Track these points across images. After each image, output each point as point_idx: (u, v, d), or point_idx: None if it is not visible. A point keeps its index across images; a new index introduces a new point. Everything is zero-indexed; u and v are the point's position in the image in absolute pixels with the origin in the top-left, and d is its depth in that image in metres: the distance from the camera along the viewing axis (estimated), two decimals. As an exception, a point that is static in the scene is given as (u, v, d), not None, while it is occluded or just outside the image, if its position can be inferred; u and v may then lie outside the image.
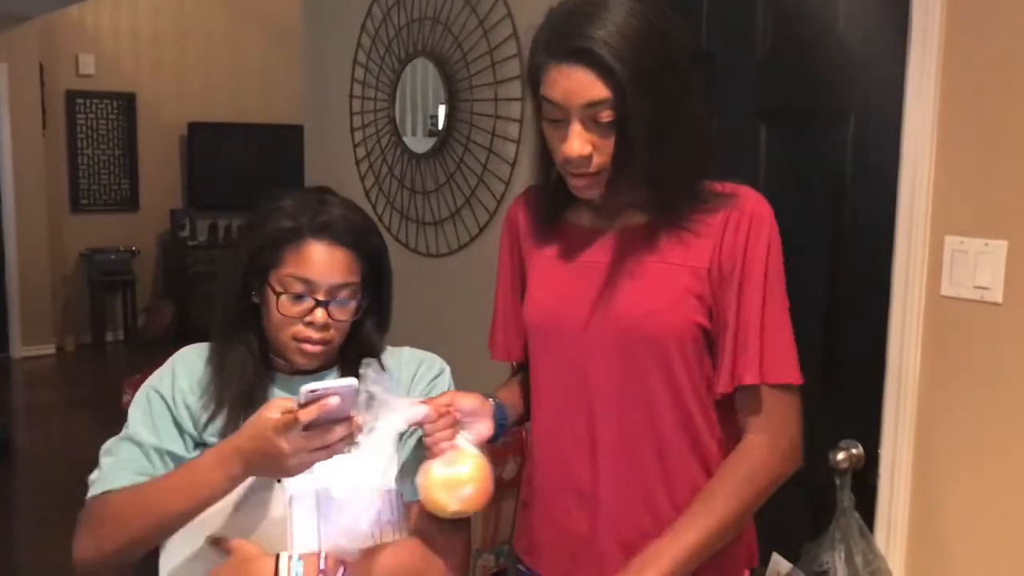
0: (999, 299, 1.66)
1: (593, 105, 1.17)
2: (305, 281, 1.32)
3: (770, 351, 1.26)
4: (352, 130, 3.46)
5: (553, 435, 1.37)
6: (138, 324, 7.69)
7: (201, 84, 7.98)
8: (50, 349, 7.36)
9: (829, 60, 1.93)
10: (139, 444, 1.34)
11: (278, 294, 1.32)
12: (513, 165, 2.75)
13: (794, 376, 1.29)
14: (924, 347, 1.77)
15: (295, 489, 1.30)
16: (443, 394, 1.36)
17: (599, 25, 1.16)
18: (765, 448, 1.27)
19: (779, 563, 1.97)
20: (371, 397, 1.24)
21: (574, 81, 1.17)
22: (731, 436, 1.32)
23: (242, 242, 1.40)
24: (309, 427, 1.14)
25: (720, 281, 1.26)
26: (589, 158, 1.21)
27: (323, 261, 1.32)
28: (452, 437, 1.30)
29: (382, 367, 1.31)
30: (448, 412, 1.30)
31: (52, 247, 7.32)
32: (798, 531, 1.94)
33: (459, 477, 1.27)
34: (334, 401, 1.13)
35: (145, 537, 1.30)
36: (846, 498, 1.83)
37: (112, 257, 7.53)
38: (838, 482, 1.84)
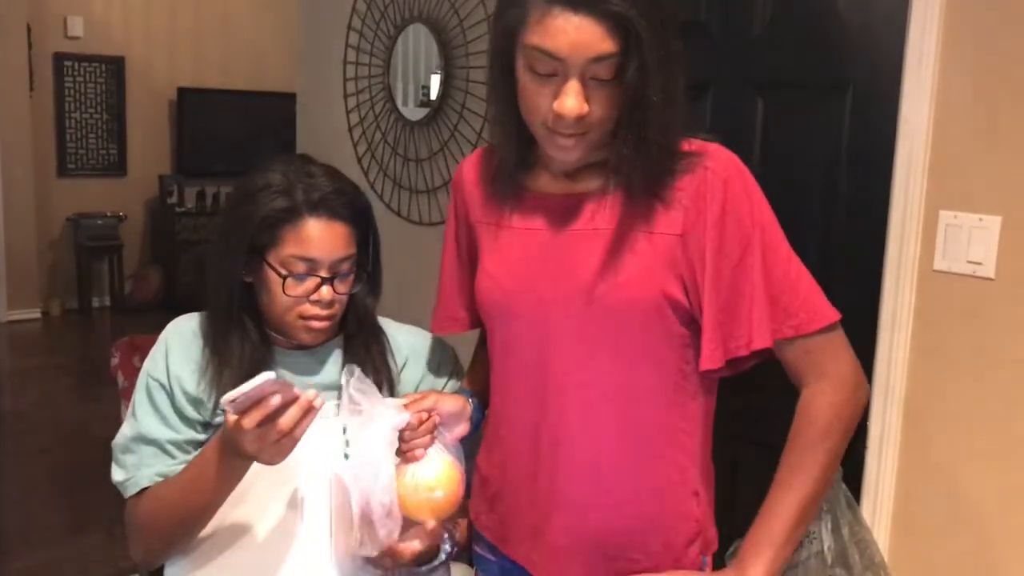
0: (991, 274, 1.67)
1: (599, 60, 1.06)
2: (308, 260, 1.31)
3: (793, 301, 1.17)
4: (346, 96, 3.43)
5: (510, 413, 1.29)
6: (125, 290, 7.64)
7: (192, 49, 7.88)
8: (36, 313, 7.30)
9: (828, 34, 1.93)
10: (154, 441, 1.34)
11: (283, 277, 1.31)
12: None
13: (830, 315, 1.19)
14: (915, 321, 1.78)
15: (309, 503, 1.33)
16: (427, 394, 1.32)
17: None
18: (829, 392, 1.18)
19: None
20: (355, 402, 1.24)
21: (585, 33, 1.04)
22: (708, 411, 1.27)
23: (233, 220, 1.35)
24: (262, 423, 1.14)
25: (702, 249, 1.15)
26: (583, 117, 1.09)
27: (324, 238, 1.31)
28: (429, 444, 1.29)
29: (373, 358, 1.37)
30: (429, 418, 1.28)
31: (39, 211, 7.24)
32: (785, 502, 1.95)
33: (429, 483, 1.27)
34: (275, 401, 1.12)
35: (184, 533, 1.32)
36: (833, 469, 1.84)
37: (99, 222, 7.46)
38: (826, 454, 1.85)
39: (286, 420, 1.13)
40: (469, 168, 1.36)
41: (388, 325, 1.50)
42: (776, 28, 2.03)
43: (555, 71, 1.08)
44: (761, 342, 1.15)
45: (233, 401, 1.11)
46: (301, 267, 1.30)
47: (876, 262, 1.82)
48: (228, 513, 1.32)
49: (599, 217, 1.19)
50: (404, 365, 1.48)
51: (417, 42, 3.07)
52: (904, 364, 1.80)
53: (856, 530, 1.85)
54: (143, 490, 1.33)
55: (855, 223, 1.91)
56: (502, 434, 1.32)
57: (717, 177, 1.14)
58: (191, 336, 1.39)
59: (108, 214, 7.53)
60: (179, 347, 1.38)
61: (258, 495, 1.33)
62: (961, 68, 1.69)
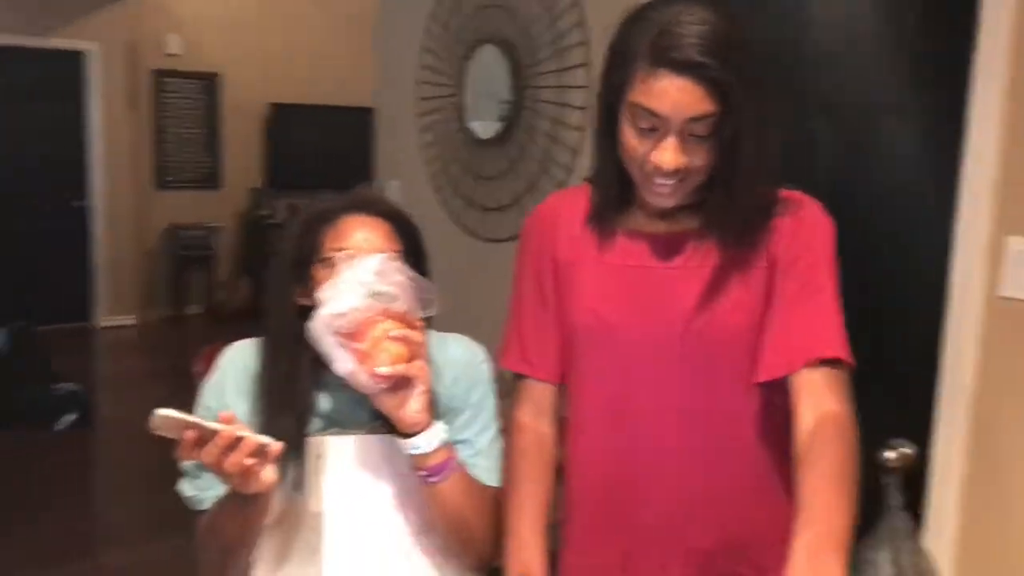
0: (1059, 302, 1.62)
1: (697, 119, 1.15)
2: (349, 251, 1.35)
3: (840, 330, 1.25)
4: (419, 115, 3.50)
5: (601, 443, 1.34)
6: (216, 299, 7.91)
7: (283, 66, 8.12)
8: (132, 320, 7.62)
9: (893, 54, 1.90)
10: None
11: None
12: (575, 153, 2.76)
13: (849, 356, 1.24)
14: (980, 348, 1.74)
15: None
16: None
17: (708, 36, 1.12)
18: (849, 418, 1.20)
19: (825, 560, 1.95)
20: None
21: (686, 95, 1.13)
22: (769, 429, 1.30)
23: (279, 248, 1.41)
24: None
25: (779, 273, 1.25)
26: (680, 169, 1.19)
27: (360, 231, 1.36)
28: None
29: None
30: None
31: (137, 222, 7.57)
32: (846, 529, 1.92)
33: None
34: (188, 435, 1.16)
35: (233, 557, 1.37)
36: (895, 498, 1.81)
37: (194, 233, 7.76)
38: (887, 481, 1.82)
39: (204, 454, 1.17)
40: (562, 208, 1.40)
41: (435, 339, 1.49)
42: (839, 48, 2.00)
43: (656, 127, 1.17)
44: (831, 351, 1.21)
45: (155, 431, 1.16)
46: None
47: (940, 288, 1.79)
48: (270, 540, 1.38)
49: (696, 255, 1.28)
50: (453, 381, 1.47)
51: (488, 62, 3.11)
52: (969, 391, 1.76)
53: (917, 560, 1.81)
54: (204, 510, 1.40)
55: (919, 247, 1.88)
56: (580, 467, 1.37)
57: (807, 220, 1.27)
58: (243, 365, 1.44)
59: (202, 225, 7.81)
60: (233, 376, 1.44)
61: (293, 522, 1.38)
62: (1030, 90, 1.65)
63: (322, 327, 1.27)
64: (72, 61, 7.10)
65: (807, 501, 1.12)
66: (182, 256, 7.71)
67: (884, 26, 1.93)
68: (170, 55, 7.74)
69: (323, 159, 7.63)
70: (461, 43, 3.25)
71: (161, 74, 7.72)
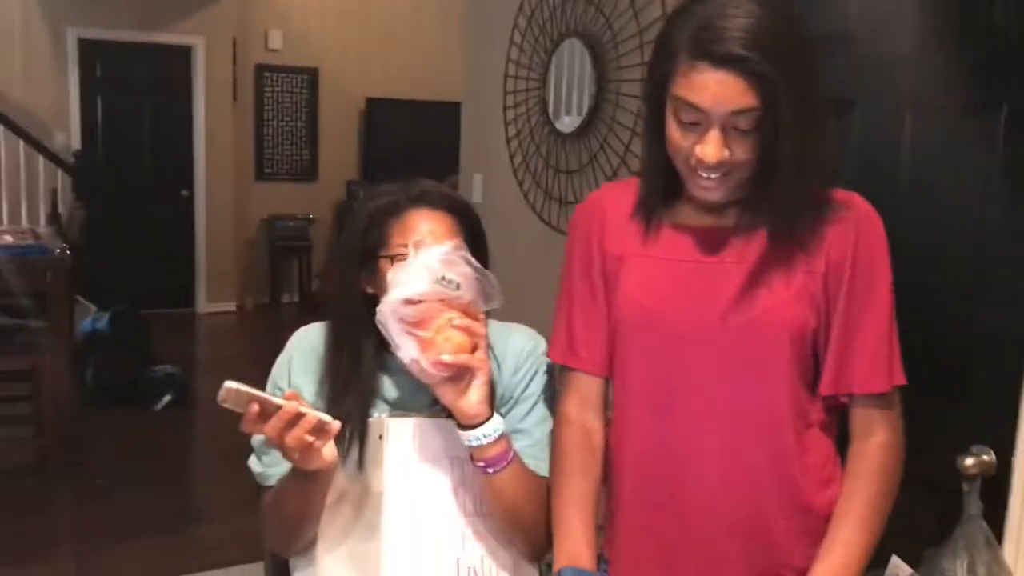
0: None
1: (739, 113, 1.15)
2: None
3: (896, 355, 1.29)
4: (505, 109, 3.53)
5: (645, 436, 1.35)
6: (311, 288, 8.12)
7: (381, 61, 8.27)
8: (232, 307, 7.89)
9: (981, 49, 1.83)
10: None
11: None
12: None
13: (903, 377, 1.31)
14: (1066, 353, 1.67)
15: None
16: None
17: (751, 30, 1.13)
18: (898, 448, 1.31)
19: (899, 567, 1.90)
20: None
21: (727, 88, 1.14)
22: (823, 440, 1.34)
23: (346, 231, 1.45)
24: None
25: (837, 284, 1.26)
26: (724, 162, 1.19)
27: (426, 224, 1.39)
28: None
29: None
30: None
31: (237, 212, 7.82)
32: (922, 536, 1.87)
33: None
34: (253, 408, 1.22)
35: (291, 532, 1.43)
36: (973, 505, 1.75)
37: (291, 224, 7.98)
38: (966, 488, 1.76)
39: (267, 428, 1.23)
40: (610, 200, 1.41)
41: (497, 329, 1.51)
42: (926, 43, 1.94)
43: (698, 120, 1.18)
44: (881, 386, 1.28)
45: (223, 403, 1.22)
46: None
47: (1026, 289, 1.72)
48: (332, 518, 1.43)
49: (744, 251, 1.28)
50: (514, 371, 1.49)
51: (572, 56, 3.12)
52: (1054, 397, 1.69)
53: (995, 570, 1.75)
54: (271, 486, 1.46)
55: (1007, 249, 1.81)
56: (624, 462, 1.38)
57: (861, 227, 1.27)
58: (310, 347, 1.48)
59: (299, 216, 8.03)
60: (300, 358, 1.48)
61: (354, 500, 1.42)
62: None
63: (389, 311, 1.30)
64: (181, 56, 7.39)
65: (833, 527, 1.27)
66: (279, 246, 7.94)
67: (970, 17, 1.86)
68: (272, 50, 7.97)
69: (415, 153, 7.74)
70: (546, 37, 3.27)
71: (263, 68, 7.95)
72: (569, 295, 1.41)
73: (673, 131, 1.21)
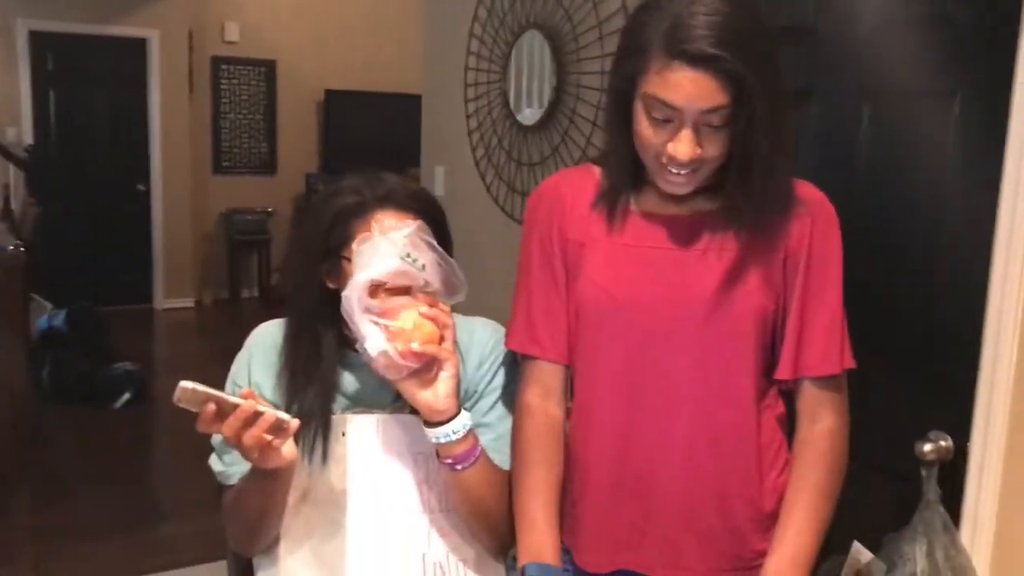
0: (1103, 293, 1.58)
1: (712, 111, 1.17)
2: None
3: (846, 339, 1.33)
4: (466, 101, 3.52)
5: (610, 422, 1.35)
6: (271, 282, 8.05)
7: (339, 53, 8.21)
8: (189, 303, 7.80)
9: (936, 40, 1.86)
10: None
11: None
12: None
13: (853, 361, 1.35)
14: (1021, 339, 1.70)
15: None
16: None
17: (722, 27, 1.14)
18: (844, 431, 1.34)
19: (860, 552, 1.93)
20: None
21: (701, 87, 1.15)
22: (776, 424, 1.37)
23: (308, 226, 1.41)
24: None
25: (794, 272, 1.30)
26: (696, 160, 1.21)
27: (392, 226, 1.34)
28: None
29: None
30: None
31: (194, 206, 7.73)
32: (881, 521, 1.90)
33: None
34: (209, 408, 1.21)
35: (258, 530, 1.41)
36: (931, 490, 1.78)
37: (250, 218, 7.90)
38: (924, 474, 1.79)
39: (224, 427, 1.22)
40: (567, 187, 1.40)
41: (461, 322, 1.50)
42: (883, 33, 1.97)
43: (671, 117, 1.19)
44: (832, 368, 1.31)
45: (178, 402, 1.20)
46: None
47: (982, 276, 1.75)
48: (295, 516, 1.41)
49: (713, 240, 1.30)
50: (478, 365, 1.48)
51: (532, 48, 3.12)
52: (1008, 382, 1.72)
53: (952, 555, 1.78)
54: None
55: (960, 235, 1.84)
56: (588, 447, 1.37)
57: (817, 217, 1.30)
58: (271, 344, 1.46)
59: (258, 210, 7.95)
60: (260, 355, 1.46)
61: (317, 499, 1.41)
62: (1075, 75, 1.60)
63: (355, 299, 1.28)
64: (135, 48, 7.28)
65: (784, 515, 1.31)
66: (238, 240, 7.86)
67: (926, 6, 1.88)
68: (228, 42, 7.87)
69: (375, 145, 7.70)
70: (506, 29, 3.26)
71: (219, 61, 7.86)
72: (528, 283, 1.40)
73: (643, 127, 1.22)
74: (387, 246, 1.28)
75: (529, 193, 3.13)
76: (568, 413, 1.40)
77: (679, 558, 1.35)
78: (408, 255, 1.29)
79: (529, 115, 3.15)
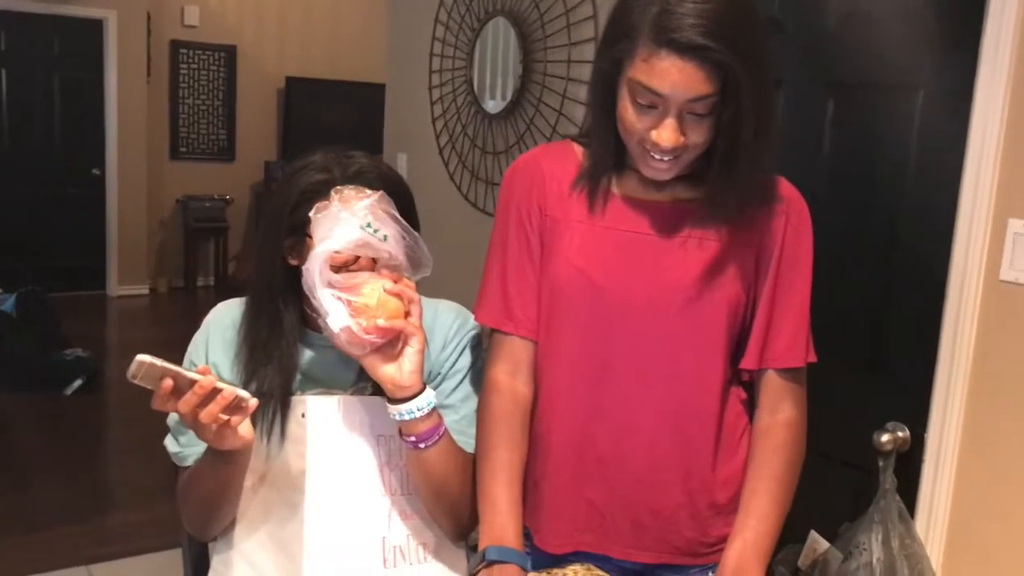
0: (1059, 286, 1.60)
1: (698, 100, 1.16)
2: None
3: (809, 333, 1.35)
4: (430, 88, 3.49)
5: (577, 404, 1.34)
6: (228, 270, 7.95)
7: (300, 40, 8.13)
8: (144, 290, 7.67)
9: (901, 34, 1.88)
10: None
11: None
12: (582, 128, 2.74)
13: (815, 356, 1.38)
14: (979, 331, 1.73)
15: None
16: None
17: (712, 16, 1.12)
18: (803, 423, 1.36)
19: (817, 541, 1.95)
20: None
21: (688, 76, 1.14)
22: (742, 409, 1.39)
23: (274, 202, 1.37)
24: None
25: (767, 264, 1.31)
26: (679, 147, 1.21)
27: (352, 196, 1.30)
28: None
29: None
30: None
31: (151, 192, 7.60)
32: (839, 511, 1.92)
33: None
34: (166, 383, 1.17)
35: (214, 513, 1.38)
36: (888, 480, 1.80)
37: (207, 204, 7.79)
38: (881, 463, 1.81)
39: (181, 404, 1.18)
40: (548, 163, 1.37)
41: (424, 305, 1.45)
42: (850, 27, 1.98)
43: (655, 104, 1.18)
44: (796, 361, 1.34)
45: (133, 379, 1.16)
46: None
47: (942, 269, 1.77)
48: (252, 499, 1.39)
49: (693, 227, 1.30)
50: (443, 346, 1.47)
51: (497, 35, 3.10)
52: (966, 375, 1.74)
53: (907, 543, 1.81)
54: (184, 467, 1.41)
55: (922, 228, 1.86)
56: (553, 425, 1.37)
57: (791, 212, 1.32)
58: (229, 322, 1.43)
59: (216, 197, 7.84)
60: (218, 333, 1.43)
61: (274, 481, 1.38)
62: (1036, 71, 1.63)
63: (317, 271, 1.25)
64: (92, 29, 7.13)
65: (745, 501, 1.32)
66: (195, 227, 7.75)
67: (892, 1, 1.90)
68: (188, 26, 7.75)
69: (337, 133, 7.61)
70: (472, 15, 3.24)
71: (178, 45, 7.73)
72: (502, 257, 1.38)
73: (628, 112, 1.21)
74: (347, 216, 1.25)
75: (493, 182, 3.14)
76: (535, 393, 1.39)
77: (639, 541, 1.35)
78: (369, 224, 1.25)
79: (494, 103, 3.14)
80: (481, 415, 1.38)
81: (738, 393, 1.38)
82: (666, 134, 1.18)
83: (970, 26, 1.71)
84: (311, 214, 1.28)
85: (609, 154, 1.30)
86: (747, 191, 1.26)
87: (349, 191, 1.29)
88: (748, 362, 1.33)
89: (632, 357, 1.31)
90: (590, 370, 1.33)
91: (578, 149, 1.37)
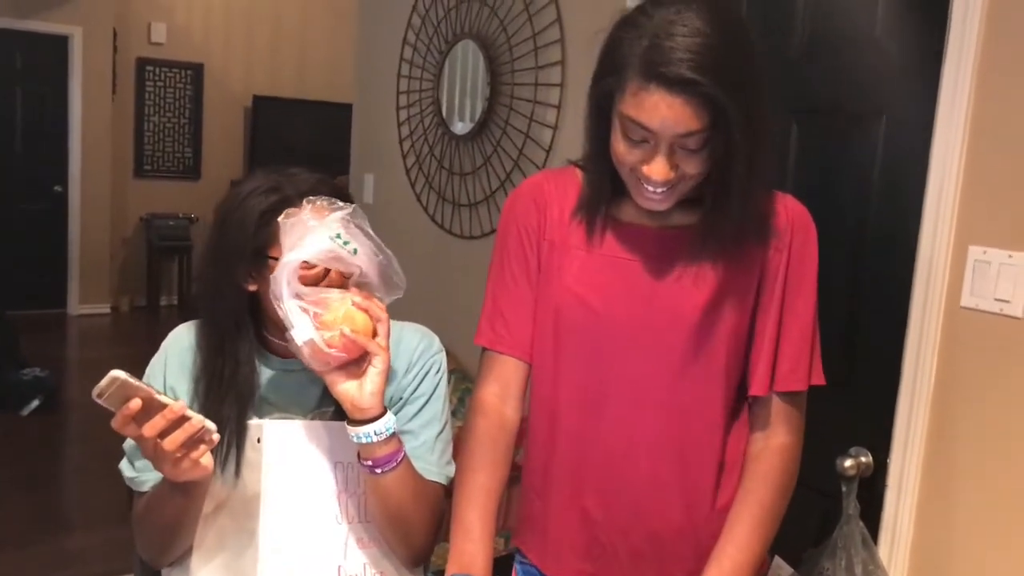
0: (1019, 313, 1.62)
1: (688, 135, 1.14)
2: None
3: (815, 357, 1.33)
4: (398, 109, 3.49)
5: (574, 431, 1.33)
6: (192, 290, 7.86)
7: (268, 59, 8.10)
8: (105, 309, 7.56)
9: (864, 62, 1.90)
10: None
11: None
12: (548, 151, 2.75)
13: (823, 378, 1.36)
14: (940, 357, 1.74)
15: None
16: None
17: (701, 51, 1.10)
18: (797, 450, 1.33)
19: (780, 567, 1.95)
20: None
21: (677, 112, 1.12)
22: (741, 436, 1.36)
23: (226, 229, 1.34)
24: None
25: (771, 287, 1.29)
26: (671, 180, 1.19)
27: (323, 207, 1.28)
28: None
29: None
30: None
31: (114, 210, 7.50)
32: (803, 537, 1.92)
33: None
34: (133, 405, 1.13)
35: (170, 541, 1.35)
36: (851, 506, 1.80)
37: (171, 223, 7.70)
38: (844, 489, 1.81)
39: (147, 427, 1.14)
40: (551, 189, 1.37)
41: (402, 330, 1.47)
42: (812, 53, 2.00)
43: (647, 139, 1.17)
44: (797, 384, 1.31)
45: (99, 397, 1.12)
46: None
47: (904, 295, 1.78)
48: (209, 526, 1.36)
49: (691, 254, 1.28)
50: (406, 370, 1.45)
51: (466, 57, 3.10)
52: (927, 401, 1.75)
53: (871, 569, 1.80)
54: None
55: (884, 254, 1.87)
56: (549, 451, 1.36)
57: (796, 233, 1.30)
58: (187, 344, 1.41)
59: (180, 215, 7.76)
60: (176, 358, 1.41)
61: (232, 509, 1.36)
62: (996, 101, 1.65)
63: (285, 282, 1.22)
64: (56, 46, 7.05)
65: (728, 528, 1.28)
66: (159, 246, 7.66)
67: (856, 30, 1.92)
68: (155, 43, 7.70)
69: (303, 153, 7.59)
70: (440, 37, 3.24)
71: (144, 62, 7.67)
72: (501, 279, 1.37)
73: (619, 145, 1.20)
74: (317, 225, 1.23)
75: (460, 203, 3.13)
76: (524, 419, 1.37)
77: (638, 568, 1.34)
78: (339, 236, 1.23)
79: (462, 125, 3.13)
80: (466, 436, 1.36)
81: (741, 418, 1.36)
82: (657, 168, 1.17)
83: (931, 53, 1.74)
84: (280, 219, 1.26)
85: (606, 182, 1.29)
86: (741, 223, 1.24)
87: (322, 202, 1.27)
88: (756, 389, 1.30)
89: (628, 384, 1.30)
90: (587, 398, 1.32)
91: (580, 175, 1.36)
